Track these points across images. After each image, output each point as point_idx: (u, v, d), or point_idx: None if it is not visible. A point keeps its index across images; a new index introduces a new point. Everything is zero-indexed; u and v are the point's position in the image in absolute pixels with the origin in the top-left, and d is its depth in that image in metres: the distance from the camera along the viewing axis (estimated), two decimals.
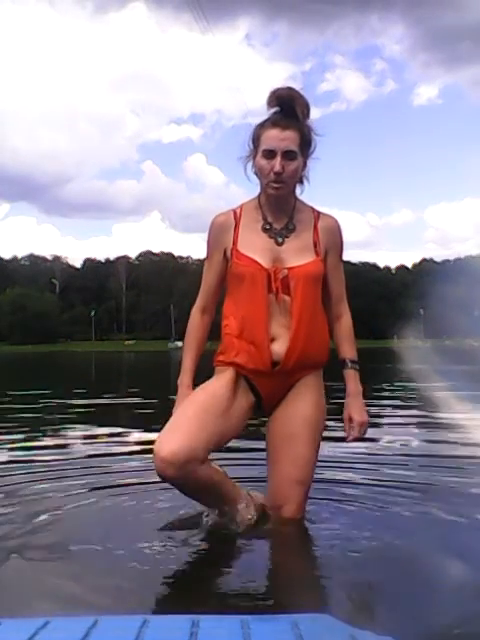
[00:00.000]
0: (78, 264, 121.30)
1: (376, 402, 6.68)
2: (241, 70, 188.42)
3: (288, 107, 2.04)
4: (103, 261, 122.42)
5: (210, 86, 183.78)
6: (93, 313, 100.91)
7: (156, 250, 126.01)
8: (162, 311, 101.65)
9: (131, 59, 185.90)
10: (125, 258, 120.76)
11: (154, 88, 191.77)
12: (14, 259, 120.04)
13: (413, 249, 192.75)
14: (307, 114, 2.06)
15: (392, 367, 14.23)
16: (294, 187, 2.12)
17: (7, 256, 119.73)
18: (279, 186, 2.04)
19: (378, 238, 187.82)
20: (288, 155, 2.01)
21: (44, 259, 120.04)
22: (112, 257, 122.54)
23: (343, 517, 2.30)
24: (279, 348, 2.05)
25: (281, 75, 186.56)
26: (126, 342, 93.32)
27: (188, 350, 2.19)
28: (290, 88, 2.07)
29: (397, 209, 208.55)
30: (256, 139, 2.06)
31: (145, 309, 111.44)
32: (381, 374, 12.52)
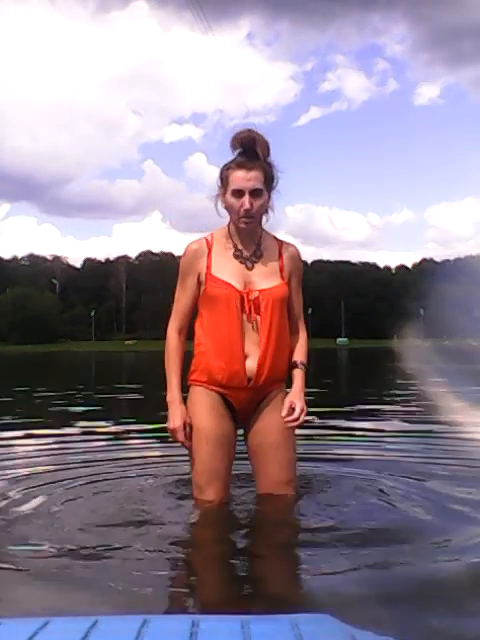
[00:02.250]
0: (78, 264, 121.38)
1: (376, 402, 6.69)
2: (242, 70, 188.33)
3: (250, 148, 2.25)
4: (103, 261, 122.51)
5: (212, 86, 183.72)
6: (93, 313, 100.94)
7: (157, 250, 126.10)
8: (162, 311, 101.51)
9: (132, 59, 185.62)
10: (125, 258, 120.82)
11: (155, 88, 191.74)
12: (14, 259, 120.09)
13: (414, 249, 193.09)
14: (268, 153, 2.27)
15: (392, 367, 14.24)
16: (261, 219, 2.33)
17: (7, 256, 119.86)
18: (249, 221, 2.26)
19: (379, 238, 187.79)
20: (255, 193, 2.23)
21: (44, 259, 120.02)
22: (112, 257, 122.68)
23: (343, 517, 2.30)
24: (251, 365, 2.27)
25: (282, 75, 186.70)
26: (126, 342, 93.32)
27: (172, 368, 2.38)
28: (250, 130, 2.27)
29: (398, 209, 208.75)
30: (224, 179, 2.27)
31: (145, 309, 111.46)
32: (381, 374, 12.53)
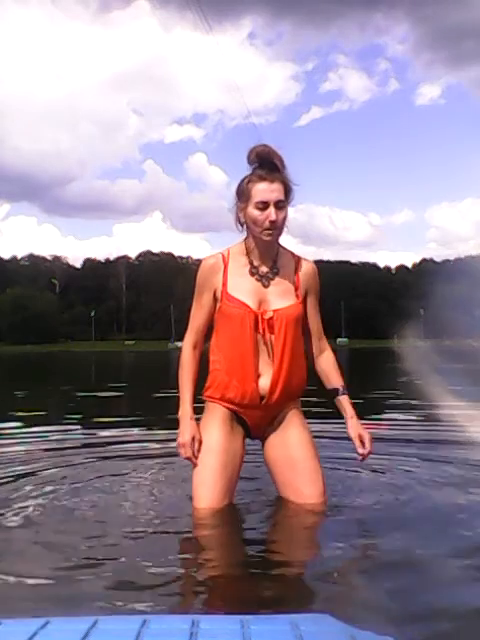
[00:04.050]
0: (78, 264, 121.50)
1: (376, 401, 6.68)
2: (243, 70, 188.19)
3: (268, 161, 2.24)
4: (103, 261, 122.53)
5: (213, 86, 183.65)
6: (93, 313, 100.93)
7: (157, 250, 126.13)
8: (162, 311, 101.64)
9: (134, 58, 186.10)
10: (125, 258, 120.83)
11: (157, 88, 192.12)
12: (14, 259, 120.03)
13: (414, 249, 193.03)
14: (284, 165, 2.26)
15: (392, 367, 14.22)
16: (282, 231, 2.31)
17: (7, 256, 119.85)
18: (273, 233, 2.25)
19: (380, 238, 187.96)
20: (279, 205, 2.22)
21: (44, 259, 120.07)
22: (112, 257, 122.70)
23: (343, 517, 2.30)
24: (265, 383, 2.27)
25: (283, 74, 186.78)
26: (126, 342, 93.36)
27: (185, 384, 2.37)
28: (265, 145, 2.27)
29: (399, 209, 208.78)
30: (245, 193, 2.25)
31: (145, 309, 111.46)
32: (381, 374, 12.52)
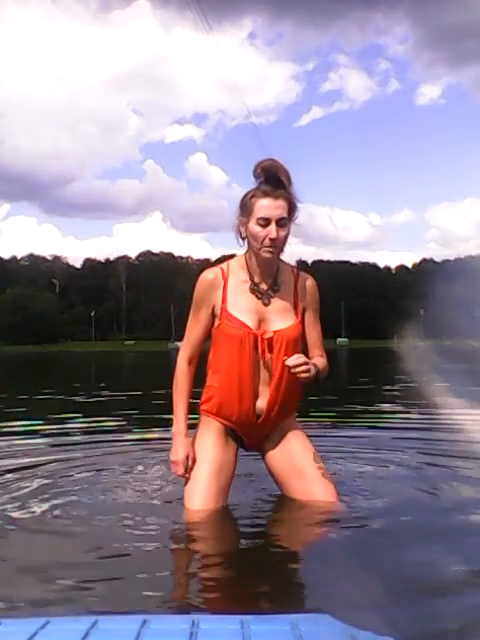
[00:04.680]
0: (78, 264, 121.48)
1: (377, 402, 6.69)
2: (243, 70, 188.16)
3: (274, 177, 2.19)
4: (103, 261, 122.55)
5: (213, 86, 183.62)
6: (93, 313, 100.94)
7: (157, 250, 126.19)
8: (162, 311, 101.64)
9: (134, 58, 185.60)
10: (125, 258, 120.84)
11: (157, 88, 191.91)
12: (14, 259, 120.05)
13: (414, 249, 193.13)
14: (291, 182, 2.21)
15: (392, 367, 14.22)
16: (283, 249, 2.27)
17: (7, 256, 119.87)
18: (273, 251, 2.21)
19: (380, 238, 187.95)
20: (281, 222, 2.18)
21: (44, 259, 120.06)
22: (112, 257, 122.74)
23: (343, 517, 2.30)
24: (262, 403, 2.27)
25: (284, 74, 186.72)
26: (126, 342, 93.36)
27: (179, 401, 2.36)
28: (273, 159, 2.22)
29: (399, 209, 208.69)
30: (248, 207, 2.21)
31: (145, 309, 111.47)
32: (382, 374, 12.52)
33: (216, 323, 2.30)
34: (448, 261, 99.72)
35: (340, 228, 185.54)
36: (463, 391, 5.81)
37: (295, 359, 2.17)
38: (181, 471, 2.28)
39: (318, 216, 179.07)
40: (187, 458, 2.28)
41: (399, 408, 6.45)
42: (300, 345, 2.31)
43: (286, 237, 2.23)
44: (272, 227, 2.16)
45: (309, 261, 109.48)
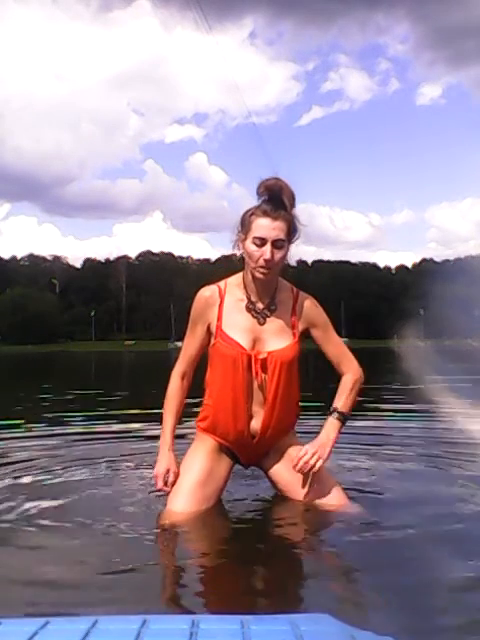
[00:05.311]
0: (78, 264, 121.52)
1: (377, 401, 6.68)
2: (243, 70, 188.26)
3: (276, 197, 2.16)
4: (103, 261, 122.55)
5: (214, 86, 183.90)
6: (93, 313, 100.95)
7: (157, 250, 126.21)
8: (162, 311, 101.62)
9: (134, 58, 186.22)
10: (125, 258, 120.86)
11: (157, 87, 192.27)
12: (14, 259, 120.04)
13: (414, 249, 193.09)
14: (293, 204, 2.18)
15: (392, 367, 14.22)
16: (278, 271, 2.24)
17: (7, 256, 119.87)
18: (267, 272, 2.17)
19: (380, 238, 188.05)
20: (277, 244, 2.14)
21: (44, 259, 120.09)
22: (112, 257, 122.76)
23: (343, 517, 2.30)
24: (256, 424, 2.25)
25: (284, 74, 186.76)
26: (126, 342, 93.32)
27: (169, 414, 2.35)
28: (277, 178, 2.19)
29: (399, 209, 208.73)
30: (246, 225, 2.18)
31: (145, 309, 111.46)
32: (382, 374, 12.53)
33: (211, 341, 2.28)
34: (448, 261, 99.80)
35: (340, 228, 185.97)
36: (463, 390, 5.81)
37: (300, 466, 2.20)
38: (160, 485, 2.28)
39: (318, 216, 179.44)
40: (168, 472, 2.27)
41: (398, 407, 6.45)
42: (296, 366, 2.28)
43: (282, 259, 2.19)
44: (267, 248, 2.13)
45: (309, 261, 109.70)
